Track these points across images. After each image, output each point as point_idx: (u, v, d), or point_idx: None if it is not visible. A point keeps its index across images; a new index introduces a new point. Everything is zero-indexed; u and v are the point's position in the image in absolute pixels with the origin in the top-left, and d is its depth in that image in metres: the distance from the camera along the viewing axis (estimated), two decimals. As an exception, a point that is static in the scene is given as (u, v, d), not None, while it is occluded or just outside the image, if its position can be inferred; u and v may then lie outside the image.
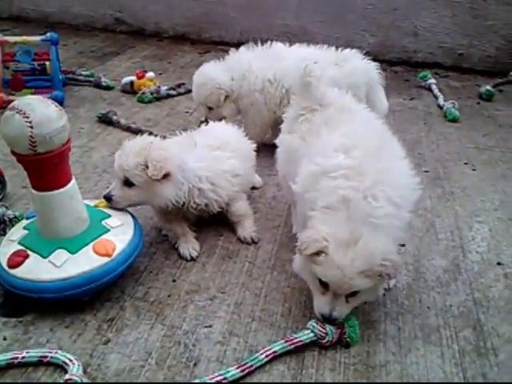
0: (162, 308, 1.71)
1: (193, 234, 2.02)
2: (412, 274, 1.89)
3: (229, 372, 1.44)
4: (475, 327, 1.67)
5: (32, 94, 2.89)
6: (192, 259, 1.93)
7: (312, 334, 1.56)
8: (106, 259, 1.66)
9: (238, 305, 1.74)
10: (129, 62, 4.04)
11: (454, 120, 3.21)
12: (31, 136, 1.51)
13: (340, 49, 2.58)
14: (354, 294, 1.54)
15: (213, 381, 1.42)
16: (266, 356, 1.50)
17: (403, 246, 2.03)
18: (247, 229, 2.07)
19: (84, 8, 4.82)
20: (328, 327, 1.56)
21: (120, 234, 1.76)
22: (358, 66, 2.48)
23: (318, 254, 1.49)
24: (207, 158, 2.03)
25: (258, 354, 1.50)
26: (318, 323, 1.57)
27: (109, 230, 1.76)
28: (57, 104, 1.63)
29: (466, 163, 2.71)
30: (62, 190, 1.65)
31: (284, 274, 1.88)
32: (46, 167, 1.60)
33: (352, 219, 1.51)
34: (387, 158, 1.67)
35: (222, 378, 1.43)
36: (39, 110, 1.53)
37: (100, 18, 4.82)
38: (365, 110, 1.90)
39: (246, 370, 1.47)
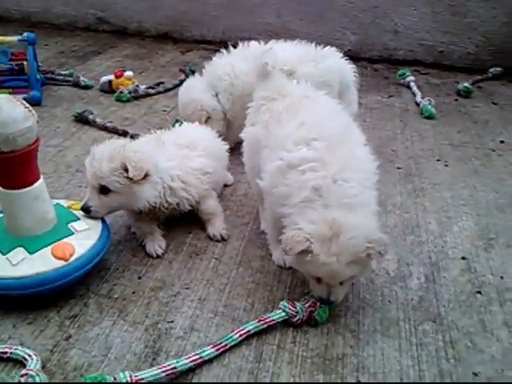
0: (126, 304, 1.73)
1: (160, 231, 2.03)
2: (375, 269, 1.91)
3: (204, 351, 1.49)
4: (435, 320, 1.70)
5: (10, 93, 2.89)
6: (158, 256, 1.95)
7: (283, 314, 1.62)
8: (62, 263, 1.66)
9: (202, 300, 1.75)
10: (109, 62, 4.05)
11: (430, 117, 3.24)
12: None
13: (321, 46, 2.58)
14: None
15: (189, 360, 1.46)
16: (240, 335, 1.56)
17: (369, 241, 2.05)
18: (217, 226, 2.09)
19: (66, 8, 4.82)
20: (298, 306, 1.63)
21: (83, 238, 1.76)
22: (334, 65, 2.49)
23: (304, 253, 1.53)
24: (177, 156, 2.05)
25: (232, 333, 1.55)
26: (288, 303, 1.64)
27: (72, 234, 1.76)
28: (27, 105, 1.63)
29: (438, 160, 2.74)
30: (26, 189, 1.66)
31: (250, 269, 1.90)
32: (10, 166, 1.61)
33: (328, 206, 1.55)
34: (349, 146, 1.70)
35: (198, 357, 1.48)
36: (5, 110, 1.54)
37: (82, 18, 4.82)
38: (324, 96, 1.92)
39: (221, 349, 1.52)
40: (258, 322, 1.60)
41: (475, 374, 1.51)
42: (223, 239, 2.06)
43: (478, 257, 2.00)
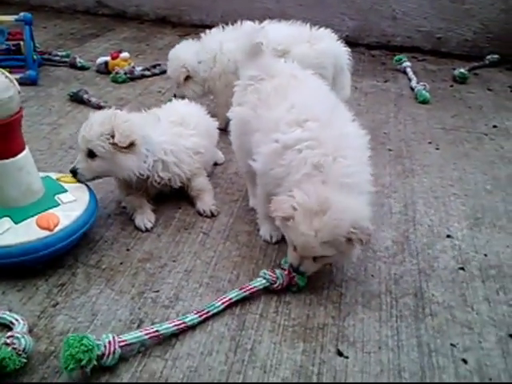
0: (113, 275, 1.76)
1: (150, 206, 2.06)
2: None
3: (187, 317, 1.53)
4: (416, 294, 1.73)
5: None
6: (147, 230, 1.98)
7: (264, 281, 1.67)
8: (46, 233, 1.69)
9: (188, 272, 1.79)
10: (107, 44, 4.07)
11: (425, 102, 3.25)
12: None
13: (316, 27, 2.58)
14: (321, 256, 1.62)
15: (172, 324, 1.50)
16: (223, 303, 1.60)
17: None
18: (207, 202, 2.11)
19: (66, -9, 4.84)
20: (278, 272, 1.68)
21: (68, 210, 1.79)
22: (328, 47, 2.49)
23: (287, 218, 1.58)
24: (170, 132, 2.08)
25: (215, 301, 1.60)
26: (268, 270, 1.68)
27: (58, 205, 1.79)
28: (8, 75, 1.65)
29: (429, 142, 2.76)
30: (9, 160, 1.69)
31: (236, 244, 1.94)
32: (-7, 136, 1.63)
33: (327, 182, 1.59)
34: (340, 124, 1.74)
35: (181, 322, 1.52)
36: None
37: (82, 1, 4.83)
38: (311, 76, 1.94)
39: (204, 316, 1.56)
40: (240, 289, 1.64)
41: (453, 345, 1.54)
42: (212, 215, 2.09)
43: (463, 235, 2.02)
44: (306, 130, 1.68)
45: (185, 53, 2.73)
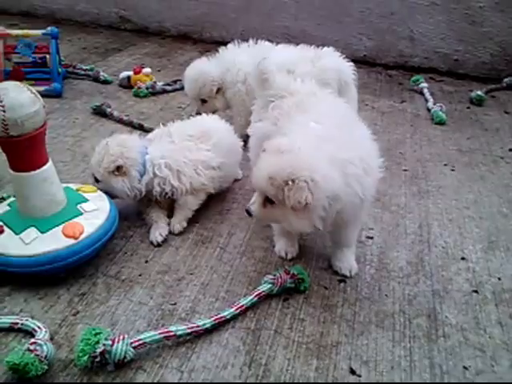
0: (132, 286, 1.81)
1: (166, 220, 2.11)
2: (375, 265, 1.97)
3: (201, 321, 1.61)
4: (430, 316, 1.74)
5: (32, 85, 3.00)
6: (158, 245, 2.02)
7: (267, 284, 1.75)
8: (72, 241, 1.75)
9: (205, 285, 1.83)
10: (129, 59, 4.16)
11: (441, 123, 3.27)
12: (3, 119, 1.62)
13: (320, 47, 2.64)
14: (271, 202, 1.65)
15: (185, 326, 1.57)
16: (236, 309, 1.67)
17: (371, 238, 2.11)
18: (177, 219, 2.13)
19: (90, 6, 4.96)
20: (273, 273, 1.79)
21: (92, 218, 1.85)
22: (331, 63, 2.53)
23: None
24: (172, 147, 2.13)
25: (230, 308, 1.67)
26: (267, 276, 1.78)
27: (81, 214, 1.86)
28: (33, 91, 1.72)
29: (445, 164, 2.78)
30: (35, 172, 1.75)
31: (253, 259, 1.97)
32: (19, 150, 1.70)
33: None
34: (356, 138, 1.75)
35: (195, 325, 1.59)
36: (12, 95, 1.63)
37: (105, 16, 4.95)
38: (330, 95, 1.99)
39: (217, 320, 1.63)
40: (250, 295, 1.72)
41: (465, 368, 1.55)
42: (173, 233, 2.11)
43: (477, 258, 2.04)
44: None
45: (207, 66, 2.83)
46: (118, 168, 2.00)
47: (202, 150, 2.16)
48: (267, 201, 1.66)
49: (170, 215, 2.15)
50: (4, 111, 1.61)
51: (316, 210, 1.60)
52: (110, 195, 2.05)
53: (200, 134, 2.21)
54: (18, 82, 1.72)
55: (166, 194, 2.09)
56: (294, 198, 1.55)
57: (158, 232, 2.04)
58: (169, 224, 2.11)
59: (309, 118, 1.78)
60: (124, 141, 2.07)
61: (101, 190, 2.05)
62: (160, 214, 2.11)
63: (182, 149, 2.12)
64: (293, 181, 1.55)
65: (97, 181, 2.07)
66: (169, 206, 2.16)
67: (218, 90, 2.82)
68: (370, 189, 1.70)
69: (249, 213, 1.72)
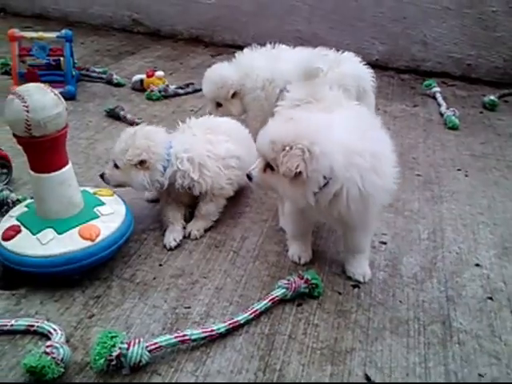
0: (147, 289, 1.82)
1: (182, 223, 2.12)
2: (389, 270, 1.96)
3: (216, 325, 1.62)
4: (444, 322, 1.74)
5: (46, 87, 3.03)
6: (170, 249, 2.03)
7: (281, 289, 1.75)
8: (89, 243, 1.76)
9: (218, 290, 1.83)
10: (142, 62, 4.19)
11: (454, 127, 3.26)
12: (27, 120, 1.63)
13: (340, 52, 2.63)
14: (272, 169, 1.65)
15: (201, 330, 1.58)
16: (250, 314, 1.67)
17: (385, 243, 2.11)
18: (195, 225, 2.13)
19: (103, 9, 5.00)
20: (287, 278, 1.79)
21: (108, 221, 1.86)
22: (351, 69, 2.52)
23: None
24: (193, 140, 2.13)
25: (243, 313, 1.67)
26: (280, 281, 1.78)
27: (98, 217, 1.87)
28: (56, 93, 1.74)
29: (459, 169, 2.77)
30: (54, 174, 1.77)
31: (266, 263, 1.97)
32: (41, 150, 1.72)
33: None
34: (373, 140, 1.72)
35: (210, 329, 1.60)
36: (36, 97, 1.65)
37: (118, 19, 4.98)
38: (356, 105, 1.99)
39: (231, 325, 1.63)
40: (264, 300, 1.72)
41: (480, 375, 1.54)
42: (189, 236, 2.11)
43: (491, 264, 2.02)
44: None
45: (226, 70, 2.82)
46: (142, 162, 1.99)
47: (222, 141, 2.16)
48: (268, 166, 1.67)
49: (187, 217, 2.17)
50: (28, 111, 1.63)
51: (310, 183, 1.58)
52: (124, 184, 2.07)
53: (216, 126, 2.24)
54: (41, 84, 1.74)
55: (183, 185, 2.09)
56: (286, 164, 1.54)
57: (173, 237, 2.05)
58: (184, 228, 2.12)
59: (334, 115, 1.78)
60: (151, 134, 2.06)
61: (117, 179, 2.06)
62: (177, 216, 2.13)
63: (204, 142, 2.13)
64: (291, 147, 1.54)
65: (116, 167, 2.04)
66: (187, 203, 2.18)
67: (234, 94, 2.80)
68: (375, 187, 1.64)
69: (249, 177, 1.73)
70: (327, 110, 1.85)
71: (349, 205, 1.65)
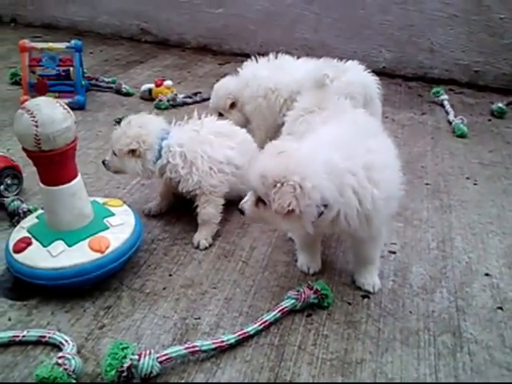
0: (157, 299, 1.83)
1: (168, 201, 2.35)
2: (399, 280, 1.96)
3: (226, 336, 1.63)
4: (454, 333, 1.73)
5: (56, 97, 3.05)
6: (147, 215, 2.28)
7: (291, 300, 1.75)
8: (98, 255, 1.77)
9: (228, 300, 1.83)
10: (150, 71, 4.22)
11: (462, 135, 3.26)
12: (36, 134, 1.65)
13: (340, 60, 2.64)
14: (264, 203, 1.62)
15: (211, 342, 1.59)
16: (260, 325, 1.68)
17: (394, 253, 2.10)
18: (201, 234, 2.13)
19: (111, 18, 5.05)
20: (296, 288, 1.79)
21: (118, 232, 1.88)
22: (356, 77, 2.54)
23: None
24: (191, 135, 2.14)
25: (253, 323, 1.68)
26: (290, 292, 1.78)
27: (108, 228, 1.88)
28: (65, 107, 1.76)
29: (467, 178, 2.76)
30: (64, 186, 1.78)
31: (275, 274, 1.98)
32: (50, 164, 1.73)
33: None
34: (370, 148, 1.69)
35: (220, 340, 1.60)
36: (45, 111, 1.67)
37: (126, 28, 5.03)
38: (361, 112, 1.99)
39: (241, 336, 1.64)
40: (273, 311, 1.73)
41: (491, 387, 1.54)
42: (198, 247, 2.11)
43: (501, 274, 2.02)
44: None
45: (228, 82, 2.91)
46: (133, 151, 2.06)
47: (226, 147, 2.16)
48: (260, 200, 1.64)
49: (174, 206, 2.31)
50: (37, 126, 1.65)
51: (304, 216, 1.56)
52: (122, 171, 2.17)
53: (229, 132, 2.25)
54: (50, 98, 1.76)
55: (172, 179, 2.14)
56: (278, 202, 1.53)
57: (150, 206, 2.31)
58: (168, 203, 2.32)
59: (328, 128, 1.79)
60: (146, 123, 2.12)
61: (115, 165, 2.16)
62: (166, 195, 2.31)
63: (204, 142, 2.12)
64: (282, 184, 1.52)
65: (114, 154, 2.12)
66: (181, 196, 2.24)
67: (233, 104, 2.85)
68: (374, 201, 1.61)
69: (241, 211, 1.71)
70: (327, 118, 1.88)
71: (349, 223, 1.63)
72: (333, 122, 1.84)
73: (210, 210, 2.14)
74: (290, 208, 1.52)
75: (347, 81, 2.50)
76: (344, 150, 1.61)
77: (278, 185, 1.52)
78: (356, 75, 2.55)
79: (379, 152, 1.68)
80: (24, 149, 1.72)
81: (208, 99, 3.52)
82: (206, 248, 2.11)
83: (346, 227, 1.65)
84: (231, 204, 2.30)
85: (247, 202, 1.69)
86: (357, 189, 1.58)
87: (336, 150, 1.61)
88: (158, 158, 2.10)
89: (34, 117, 1.65)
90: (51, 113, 1.68)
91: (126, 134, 2.06)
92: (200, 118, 2.25)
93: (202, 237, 2.12)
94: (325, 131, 1.75)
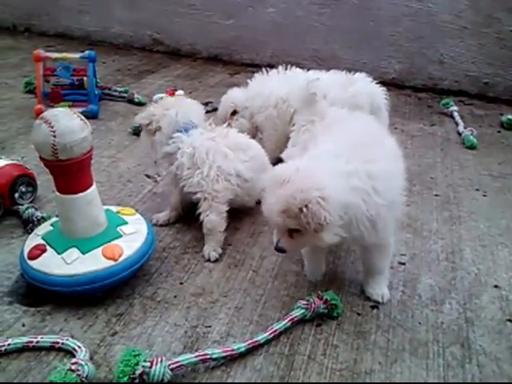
0: (168, 307, 1.85)
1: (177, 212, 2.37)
2: (408, 291, 1.97)
3: (236, 345, 1.64)
4: (463, 344, 1.74)
5: (69, 106, 3.11)
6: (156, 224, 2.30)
7: (300, 310, 1.77)
8: (112, 263, 1.80)
9: (238, 309, 1.85)
10: (162, 81, 4.27)
11: (472, 147, 3.26)
12: (53, 144, 1.69)
13: (350, 71, 2.69)
14: (297, 231, 1.63)
15: (221, 350, 1.60)
16: (270, 334, 1.69)
17: (403, 264, 2.11)
18: (209, 246, 2.14)
19: (124, 28, 5.12)
20: (306, 298, 1.80)
21: (130, 241, 1.90)
22: (363, 87, 2.58)
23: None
24: (207, 144, 2.14)
25: (263, 332, 1.70)
26: (300, 301, 1.79)
27: (121, 236, 1.91)
28: (82, 117, 1.80)
29: (477, 189, 2.77)
30: (80, 194, 1.82)
31: (285, 283, 1.99)
32: (67, 173, 1.77)
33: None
34: (372, 155, 1.71)
35: (230, 348, 1.62)
36: (63, 122, 1.71)
37: (139, 38, 5.10)
38: (363, 116, 2.02)
39: (251, 344, 1.65)
40: (283, 320, 1.74)
41: (500, 399, 1.54)
42: (209, 260, 2.12)
43: (510, 286, 2.02)
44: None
45: (233, 93, 2.97)
46: (149, 124, 2.15)
47: (238, 160, 2.19)
48: (292, 231, 1.65)
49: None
50: (55, 136, 1.69)
51: (336, 221, 1.59)
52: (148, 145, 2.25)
53: (245, 145, 2.28)
54: (68, 109, 1.80)
55: (178, 178, 2.18)
56: (314, 221, 1.54)
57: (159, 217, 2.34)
58: (179, 214, 2.35)
59: (329, 137, 1.81)
60: (173, 107, 2.18)
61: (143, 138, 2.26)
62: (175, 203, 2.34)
63: (219, 152, 2.14)
64: (306, 206, 1.54)
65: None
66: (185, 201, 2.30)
67: (234, 112, 2.89)
68: (378, 208, 1.64)
69: (282, 250, 1.72)
70: (328, 127, 1.90)
71: (359, 228, 1.66)
72: (332, 131, 1.87)
73: (212, 218, 2.13)
74: (327, 221, 1.54)
75: (354, 91, 2.54)
76: (345, 157, 1.65)
77: (304, 209, 1.54)
78: (363, 85, 2.59)
79: (379, 161, 1.70)
80: (41, 158, 1.76)
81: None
82: (216, 260, 2.11)
83: (356, 232, 1.67)
84: (241, 212, 2.36)
85: (281, 241, 1.69)
86: (361, 191, 1.62)
87: (336, 157, 1.65)
88: (164, 143, 2.16)
89: (52, 127, 1.69)
90: (69, 123, 1.72)
91: (148, 109, 2.18)
92: (225, 127, 2.33)
93: (210, 248, 2.13)
94: (323, 142, 1.78)
